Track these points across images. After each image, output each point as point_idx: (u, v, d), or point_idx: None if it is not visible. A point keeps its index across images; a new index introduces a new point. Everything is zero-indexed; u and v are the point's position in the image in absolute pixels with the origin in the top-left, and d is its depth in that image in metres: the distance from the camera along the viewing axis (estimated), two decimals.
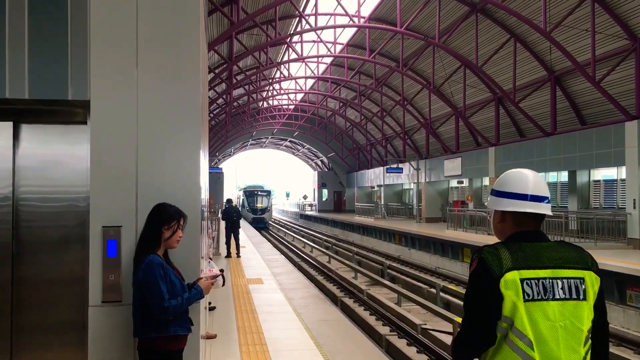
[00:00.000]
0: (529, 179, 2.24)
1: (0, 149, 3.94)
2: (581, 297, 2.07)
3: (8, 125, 3.97)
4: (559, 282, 2.06)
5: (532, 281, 2.05)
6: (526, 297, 2.03)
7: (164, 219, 3.44)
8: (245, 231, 29.32)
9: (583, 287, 2.08)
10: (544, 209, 2.24)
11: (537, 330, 2.02)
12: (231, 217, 18.46)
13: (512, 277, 2.04)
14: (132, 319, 3.45)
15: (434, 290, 15.70)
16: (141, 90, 3.78)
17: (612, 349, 10.27)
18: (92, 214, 3.68)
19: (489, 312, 2.07)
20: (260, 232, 39.16)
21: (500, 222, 2.29)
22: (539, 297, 2.04)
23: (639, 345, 10.72)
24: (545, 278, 2.06)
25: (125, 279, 3.63)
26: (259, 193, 52.58)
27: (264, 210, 51.55)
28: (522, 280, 2.04)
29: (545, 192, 2.25)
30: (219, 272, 3.93)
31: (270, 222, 53.52)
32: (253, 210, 50.93)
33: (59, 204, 4.00)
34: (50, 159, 4.02)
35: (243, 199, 52.75)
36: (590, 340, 2.07)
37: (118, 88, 3.76)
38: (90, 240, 3.67)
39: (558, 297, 2.05)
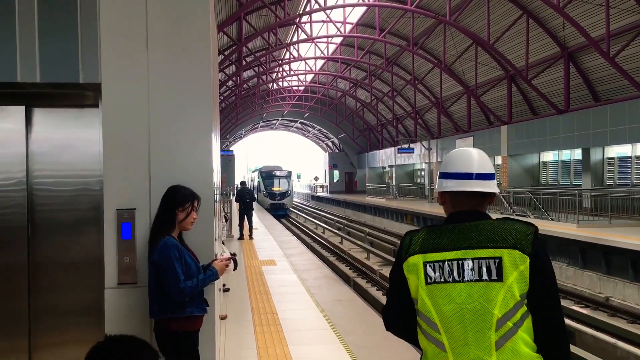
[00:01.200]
0: (466, 157, 2.13)
1: (13, 133, 3.96)
2: (493, 277, 1.91)
3: (20, 110, 3.98)
4: (470, 262, 1.95)
5: (437, 264, 1.98)
6: (428, 280, 1.98)
7: (178, 200, 3.44)
8: (258, 213, 29.43)
9: (497, 266, 1.91)
10: (475, 185, 2.07)
11: (442, 314, 1.95)
12: (244, 199, 18.52)
13: (414, 261, 2.02)
14: (148, 300, 3.47)
15: None
16: (152, 72, 3.76)
17: (627, 326, 10.25)
18: (106, 197, 3.69)
19: (399, 292, 2.09)
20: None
21: (442, 204, 2.20)
22: (442, 280, 1.96)
23: None
24: (453, 260, 1.96)
25: (141, 261, 3.65)
26: (278, 174, 44.49)
27: (284, 194, 43.32)
28: (425, 264, 2.00)
29: (479, 168, 2.09)
30: (231, 255, 3.93)
31: (291, 208, 44.88)
32: (271, 194, 42.92)
33: (72, 187, 4.02)
34: (63, 142, 4.04)
35: (259, 182, 45.10)
36: (511, 325, 1.88)
37: (129, 70, 3.74)
38: (104, 223, 3.69)
39: (467, 278, 1.94)
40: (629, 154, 20.58)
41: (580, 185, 22.17)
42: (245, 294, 9.36)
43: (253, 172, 60.98)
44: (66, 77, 3.74)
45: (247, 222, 18.69)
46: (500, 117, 26.14)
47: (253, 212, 19.27)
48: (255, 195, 42.16)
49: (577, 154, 23.04)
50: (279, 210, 41.60)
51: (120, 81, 3.73)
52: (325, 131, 59.23)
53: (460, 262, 1.96)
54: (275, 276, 11.14)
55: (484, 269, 1.93)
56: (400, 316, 2.13)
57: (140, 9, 3.75)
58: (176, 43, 3.80)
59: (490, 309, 1.89)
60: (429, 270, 1.99)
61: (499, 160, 28.45)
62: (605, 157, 21.74)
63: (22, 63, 3.68)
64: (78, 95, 4.05)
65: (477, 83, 25.99)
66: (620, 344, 9.12)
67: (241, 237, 18.39)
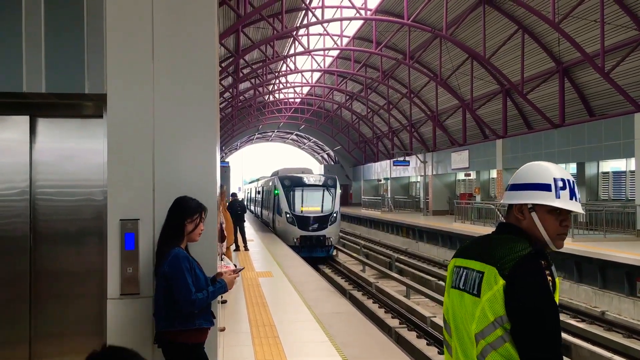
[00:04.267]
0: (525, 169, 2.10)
1: (17, 143, 3.97)
2: (474, 291, 1.87)
3: (24, 120, 3.99)
4: (467, 272, 1.97)
5: (455, 269, 2.05)
6: (451, 284, 2.06)
7: (186, 212, 3.45)
8: (251, 225, 29.33)
9: (478, 281, 1.87)
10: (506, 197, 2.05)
11: (455, 317, 1.99)
12: (236, 210, 18.49)
13: (450, 264, 2.12)
14: (151, 311, 3.46)
15: (442, 283, 15.69)
16: (157, 83, 3.78)
17: (623, 341, 10.26)
18: (110, 207, 3.69)
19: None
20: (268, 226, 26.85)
21: None
22: (455, 285, 2.02)
23: None
24: (460, 267, 2.03)
25: (144, 271, 3.64)
26: (313, 183, 23.66)
27: (327, 219, 22.52)
28: (454, 267, 2.08)
29: (512, 179, 2.07)
30: (240, 267, 3.94)
31: (336, 245, 23.80)
32: (301, 220, 22.44)
33: (75, 197, 4.03)
34: (67, 153, 4.05)
35: (277, 195, 23.81)
36: (484, 344, 1.79)
37: (134, 81, 3.76)
38: (108, 234, 3.69)
39: (462, 287, 1.97)
40: (624, 169, 20.70)
41: None
42: (242, 305, 9.32)
43: (251, 182, 57.48)
44: (72, 87, 3.76)
45: (240, 234, 18.66)
46: (496, 131, 26.27)
47: (245, 223, 19.18)
48: (271, 217, 26.32)
49: (572, 168, 23.13)
50: (318, 249, 22.11)
51: (125, 92, 3.75)
52: (321, 143, 59.31)
53: (463, 270, 1.99)
54: (272, 288, 11.10)
55: (473, 281, 1.92)
56: None
57: (147, 21, 3.78)
58: (182, 55, 3.83)
59: (470, 324, 1.88)
60: (454, 274, 2.07)
61: (494, 174, 28.56)
62: (599, 171, 21.86)
63: (28, 73, 3.70)
64: (82, 105, 4.07)
65: (472, 97, 26.12)
66: (617, 358, 9.13)
67: (237, 249, 18.34)
